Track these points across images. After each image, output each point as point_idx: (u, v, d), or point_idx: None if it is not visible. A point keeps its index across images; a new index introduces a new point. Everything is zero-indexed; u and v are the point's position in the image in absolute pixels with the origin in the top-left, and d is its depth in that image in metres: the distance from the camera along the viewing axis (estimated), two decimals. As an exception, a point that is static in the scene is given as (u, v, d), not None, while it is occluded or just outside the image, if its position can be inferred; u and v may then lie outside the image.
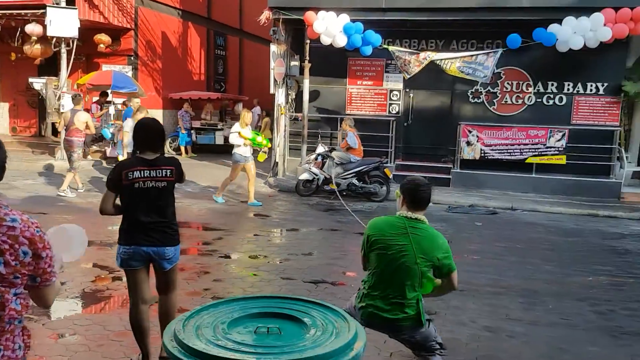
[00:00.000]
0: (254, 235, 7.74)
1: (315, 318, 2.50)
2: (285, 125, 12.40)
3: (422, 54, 10.98)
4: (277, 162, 12.21)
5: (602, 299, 5.57)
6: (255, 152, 9.91)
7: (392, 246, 3.00)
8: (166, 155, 3.82)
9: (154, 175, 3.55)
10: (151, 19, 16.12)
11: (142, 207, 3.56)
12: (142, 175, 3.52)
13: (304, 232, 8.06)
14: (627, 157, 11.96)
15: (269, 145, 10.13)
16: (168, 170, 3.61)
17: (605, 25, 10.05)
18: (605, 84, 11.39)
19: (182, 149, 15.78)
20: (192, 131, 16.15)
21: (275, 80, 11.96)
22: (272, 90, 12.14)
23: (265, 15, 11.68)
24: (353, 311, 3.14)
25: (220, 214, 9.02)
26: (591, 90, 11.49)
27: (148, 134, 3.64)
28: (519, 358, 4.19)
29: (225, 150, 16.76)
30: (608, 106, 11.49)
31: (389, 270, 3.02)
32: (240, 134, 9.27)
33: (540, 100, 11.78)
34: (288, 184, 11.23)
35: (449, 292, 3.29)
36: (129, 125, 9.93)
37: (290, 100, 12.43)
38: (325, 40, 10.99)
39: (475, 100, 12.16)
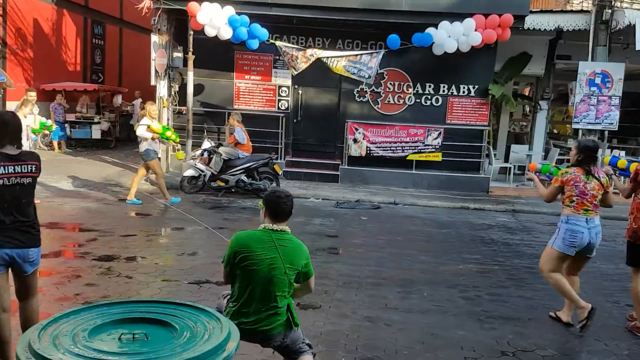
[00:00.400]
0: (133, 235, 7.33)
1: (186, 321, 2.40)
2: (168, 119, 11.90)
3: (309, 51, 11.09)
4: (160, 158, 11.66)
5: (470, 285, 5.99)
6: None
7: (263, 261, 3.02)
8: (31, 150, 3.61)
9: (20, 171, 3.34)
10: (22, 5, 14.89)
11: (4, 205, 3.31)
12: (7, 172, 3.29)
13: (188, 231, 7.79)
14: (494, 155, 13.04)
15: (177, 139, 9.72)
16: (33, 166, 3.42)
17: (476, 30, 10.83)
18: (476, 87, 12.29)
19: (55, 144, 14.61)
20: (66, 125, 15.02)
21: (156, 72, 11.45)
22: (153, 82, 11.61)
23: (146, 4, 11.14)
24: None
25: (95, 213, 8.44)
26: (464, 92, 12.35)
27: (8, 128, 3.41)
28: (395, 345, 4.37)
29: (103, 145, 15.85)
30: (478, 107, 12.41)
31: (261, 284, 3.03)
32: (150, 126, 8.85)
33: (419, 100, 12.42)
34: (172, 180, 10.79)
35: (307, 293, 3.40)
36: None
37: (173, 93, 11.95)
38: (210, 32, 10.69)
39: (361, 99, 12.54)
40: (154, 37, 11.39)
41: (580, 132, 11.69)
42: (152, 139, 8.94)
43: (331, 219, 9.10)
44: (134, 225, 8.00)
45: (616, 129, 11.83)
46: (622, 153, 11.76)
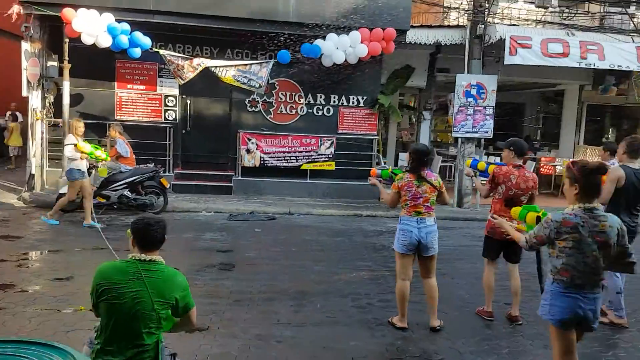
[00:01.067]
0: (1, 261, 6.57)
1: (35, 362, 2.10)
2: (42, 132, 10.94)
3: (196, 60, 10.75)
4: (34, 174, 10.68)
5: (362, 293, 6.05)
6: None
7: (125, 294, 2.74)
8: None
9: None
10: None
11: None
12: None
13: (64, 254, 7.14)
14: (384, 162, 13.47)
15: (108, 158, 9.02)
16: None
17: (362, 42, 11.14)
18: (365, 97, 12.63)
19: None
20: None
21: (29, 82, 10.51)
22: (25, 93, 10.62)
23: (15, 9, 10.20)
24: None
25: (-47, 239, 7.49)
26: (353, 102, 12.64)
27: None
28: (287, 362, 4.26)
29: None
30: (367, 117, 12.76)
31: (124, 320, 2.75)
32: (78, 146, 8.35)
33: (311, 110, 12.52)
34: (47, 198, 9.90)
35: (189, 328, 3.13)
36: None
37: (48, 104, 11.00)
38: (87, 40, 9.99)
39: (253, 109, 12.38)
40: (25, 45, 10.46)
41: (459, 140, 12.42)
42: (81, 158, 8.49)
43: (223, 232, 8.83)
44: (3, 249, 7.18)
45: (491, 137, 12.71)
46: (497, 159, 12.64)
